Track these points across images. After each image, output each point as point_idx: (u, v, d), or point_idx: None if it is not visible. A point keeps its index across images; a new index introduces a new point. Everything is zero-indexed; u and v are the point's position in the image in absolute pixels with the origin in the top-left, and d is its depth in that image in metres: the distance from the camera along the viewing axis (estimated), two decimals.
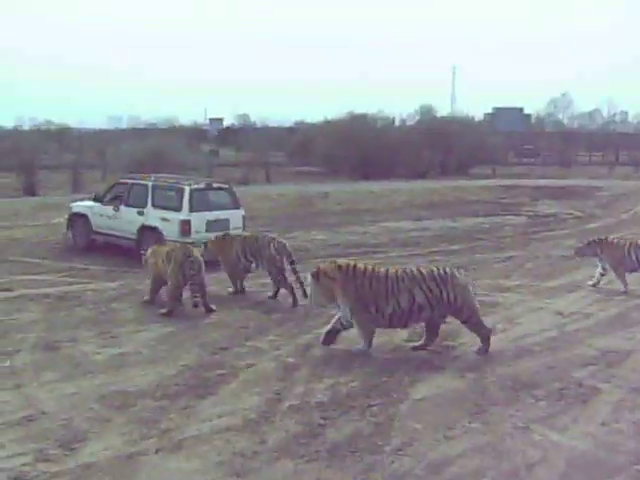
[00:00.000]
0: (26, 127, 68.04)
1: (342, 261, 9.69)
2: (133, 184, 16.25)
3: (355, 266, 9.28)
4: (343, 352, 9.17)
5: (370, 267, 9.39)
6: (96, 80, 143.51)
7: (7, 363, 8.64)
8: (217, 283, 12.82)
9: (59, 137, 58.85)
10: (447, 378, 8.29)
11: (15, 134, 53.55)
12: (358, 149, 45.54)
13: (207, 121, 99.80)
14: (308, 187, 34.68)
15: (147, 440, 6.54)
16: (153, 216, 15.31)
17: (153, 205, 15.47)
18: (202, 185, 15.85)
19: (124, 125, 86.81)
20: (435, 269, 9.42)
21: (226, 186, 16.41)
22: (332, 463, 6.13)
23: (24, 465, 6.02)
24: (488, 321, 10.63)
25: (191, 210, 15.02)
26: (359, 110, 54.82)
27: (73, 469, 5.98)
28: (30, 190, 33.43)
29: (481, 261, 15.88)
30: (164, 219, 15.06)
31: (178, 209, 15.06)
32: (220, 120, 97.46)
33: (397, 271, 9.37)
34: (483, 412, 7.29)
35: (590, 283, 13.27)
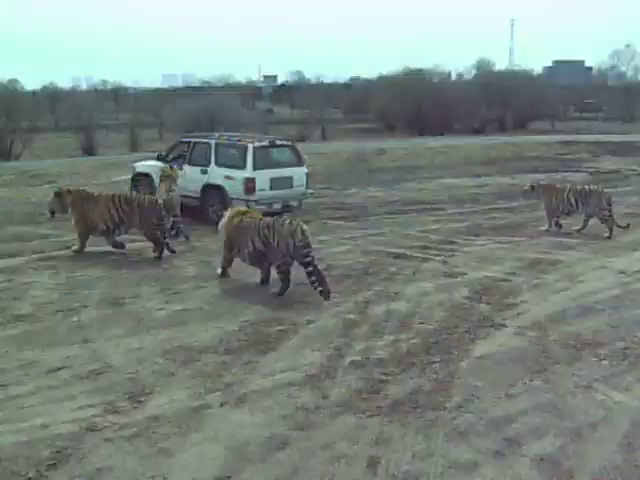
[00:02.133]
0: (83, 87, 69.01)
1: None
2: (196, 143, 16.26)
3: (233, 217, 10.60)
4: (403, 309, 9.18)
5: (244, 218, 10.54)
6: (151, 39, 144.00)
7: (75, 318, 8.88)
8: None
9: (115, 96, 59.47)
10: (508, 336, 8.24)
11: (72, 94, 54.34)
12: (414, 105, 45.05)
13: (261, 78, 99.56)
14: (364, 144, 34.49)
15: (211, 394, 6.68)
16: (217, 174, 15.29)
17: (217, 163, 15.45)
18: (265, 142, 15.73)
19: (179, 83, 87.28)
20: (273, 220, 10.17)
21: (289, 143, 16.41)
22: (393, 418, 6.18)
23: (95, 416, 6.21)
24: (549, 279, 10.57)
25: (255, 168, 14.92)
26: (415, 65, 54.06)
27: (141, 421, 6.15)
28: (89, 149, 34.05)
29: (541, 218, 15.60)
30: (228, 177, 15.02)
31: (242, 167, 14.98)
32: (274, 77, 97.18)
33: (253, 221, 10.35)
34: (544, 370, 7.24)
35: (542, 228, 14.36)
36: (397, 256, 12.07)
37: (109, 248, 12.55)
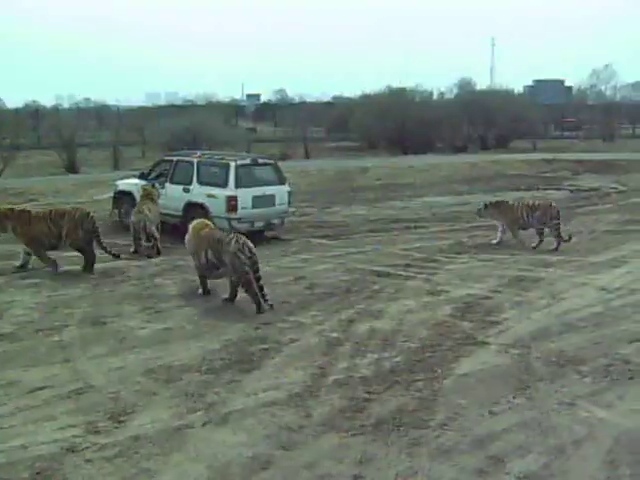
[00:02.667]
0: (65, 105, 68.80)
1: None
2: (178, 161, 16.28)
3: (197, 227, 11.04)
4: (386, 327, 9.18)
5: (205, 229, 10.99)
6: (133, 58, 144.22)
7: (56, 338, 8.81)
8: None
9: (98, 114, 59.30)
10: (491, 354, 8.25)
11: (55, 112, 54.14)
12: (397, 123, 45.22)
13: (244, 97, 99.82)
14: (347, 162, 34.59)
15: (194, 413, 6.63)
16: (199, 192, 15.29)
17: (199, 182, 15.47)
18: (248, 161, 15.85)
19: (162, 102, 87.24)
20: (224, 235, 10.65)
21: (271, 162, 16.43)
22: (377, 437, 6.16)
23: (75, 437, 6.15)
24: (531, 296, 10.61)
25: (237, 186, 14.95)
26: (397, 84, 54.44)
27: (122, 441, 6.09)
28: (71, 167, 33.83)
29: (523, 236, 15.70)
30: (210, 195, 15.02)
31: (224, 185, 15.01)
32: (257, 96, 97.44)
33: (211, 233, 10.84)
34: (528, 388, 7.25)
35: (493, 242, 14.81)
36: (380, 274, 12.08)
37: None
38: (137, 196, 16.02)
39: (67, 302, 10.45)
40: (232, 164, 15.12)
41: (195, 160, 15.84)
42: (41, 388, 7.21)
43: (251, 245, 10.23)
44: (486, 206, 15.25)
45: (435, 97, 63.11)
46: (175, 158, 16.62)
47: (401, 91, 53.05)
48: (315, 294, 10.87)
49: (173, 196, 15.65)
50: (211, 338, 8.79)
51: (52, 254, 12.47)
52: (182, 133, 35.97)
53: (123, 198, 17.09)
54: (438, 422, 6.44)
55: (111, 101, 71.44)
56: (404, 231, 16.69)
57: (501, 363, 7.96)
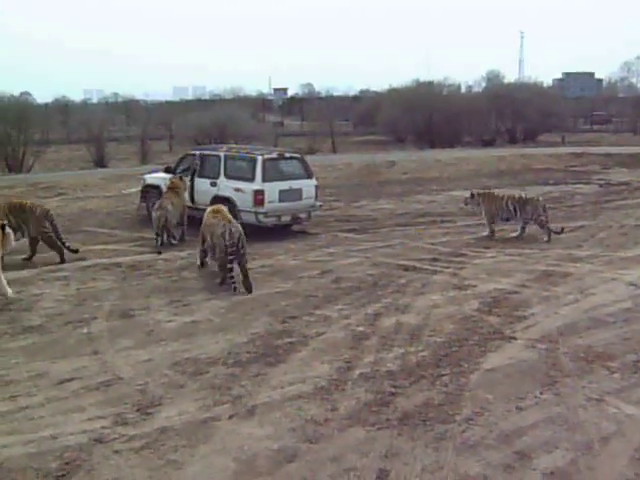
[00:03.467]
0: (94, 100, 69.34)
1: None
2: (205, 155, 16.33)
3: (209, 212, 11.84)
4: (413, 321, 9.16)
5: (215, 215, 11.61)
6: (161, 52, 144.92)
7: (84, 330, 8.90)
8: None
9: (126, 109, 59.71)
10: (518, 348, 8.20)
11: (84, 107, 54.66)
12: (424, 117, 45.08)
13: (271, 91, 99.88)
14: (374, 156, 34.50)
15: (220, 406, 6.67)
16: (226, 186, 15.29)
17: (226, 176, 15.47)
18: (274, 155, 15.77)
19: (189, 96, 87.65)
20: (218, 221, 11.23)
21: (298, 156, 16.40)
22: (403, 431, 6.15)
23: (103, 428, 6.21)
24: (559, 291, 10.52)
25: (264, 180, 14.92)
26: (425, 78, 54.20)
27: (150, 433, 6.14)
28: (100, 162, 34.19)
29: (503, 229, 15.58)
30: (237, 189, 15.01)
31: (251, 179, 14.99)
32: (284, 90, 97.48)
33: (214, 220, 11.46)
34: (555, 383, 7.19)
35: (485, 234, 15.00)
36: (407, 268, 12.05)
37: (118, 259, 12.65)
38: (165, 189, 16.08)
39: (95, 295, 10.56)
40: (259, 158, 15.08)
41: (222, 154, 15.88)
42: (70, 380, 7.30)
43: (237, 234, 10.87)
44: (473, 196, 15.44)
45: (463, 90, 62.85)
46: (202, 152, 16.68)
47: (429, 84, 52.85)
48: (341, 288, 10.87)
49: (201, 190, 15.70)
50: (238, 331, 8.83)
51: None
52: (209, 127, 36.14)
53: (151, 192, 17.17)
54: (464, 417, 6.41)
55: (139, 96, 71.93)
56: (431, 225, 16.62)
57: (528, 358, 7.90)
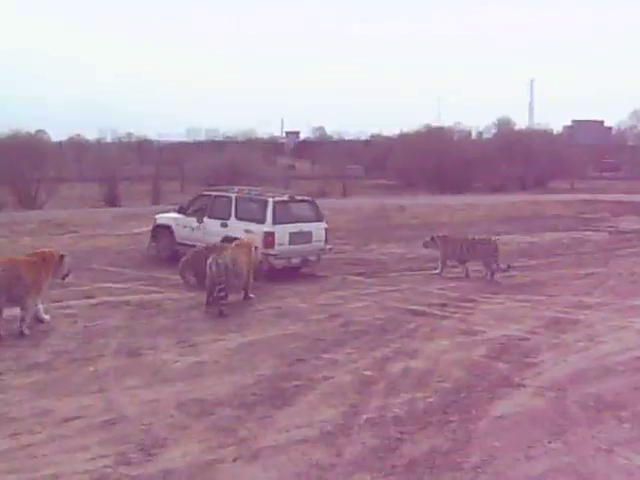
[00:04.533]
0: (108, 139, 69.98)
1: None
2: (216, 196, 16.44)
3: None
4: (421, 367, 9.09)
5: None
6: (175, 93, 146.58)
7: (91, 368, 8.87)
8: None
9: (139, 149, 60.28)
10: (527, 396, 8.11)
11: (98, 146, 55.23)
12: (435, 162, 45.27)
13: (283, 134, 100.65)
14: (384, 200, 34.60)
15: (225, 448, 6.60)
16: (236, 227, 15.31)
17: (237, 217, 15.57)
18: (285, 197, 15.89)
19: (202, 137, 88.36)
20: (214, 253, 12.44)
21: (309, 199, 16.50)
22: (409, 478, 6.07)
23: (106, 467, 6.16)
24: (569, 338, 10.44)
25: (274, 222, 14.98)
26: (436, 123, 54.58)
27: (153, 474, 6.08)
28: (112, 200, 34.44)
29: (561, 277, 15.54)
30: (248, 231, 14.94)
31: (262, 221, 15.05)
32: (296, 133, 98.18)
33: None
34: (564, 432, 7.10)
35: (435, 272, 15.89)
36: (415, 313, 12.00)
37: (127, 298, 12.67)
38: (175, 230, 16.33)
39: (103, 333, 10.54)
40: (270, 200, 15.19)
41: (233, 195, 15.97)
42: (74, 418, 7.25)
43: (220, 264, 12.00)
44: (432, 238, 16.47)
45: (474, 136, 63.15)
46: (214, 193, 16.78)
47: (439, 130, 53.16)
48: (350, 332, 10.82)
49: (211, 230, 15.75)
50: (244, 373, 8.78)
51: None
52: (221, 169, 36.43)
53: (162, 232, 17.25)
54: (472, 465, 6.32)
55: (153, 136, 72.51)
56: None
57: (537, 406, 7.81)
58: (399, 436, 6.91)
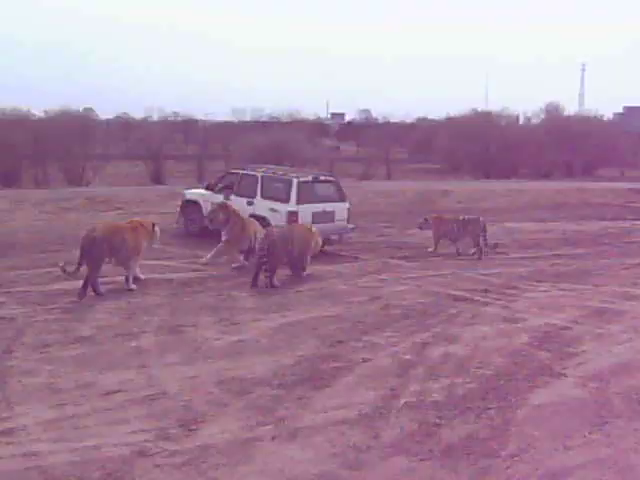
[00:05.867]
0: (155, 118, 70.46)
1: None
2: (244, 174, 16.89)
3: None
4: (461, 352, 9.04)
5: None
6: (221, 74, 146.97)
7: (133, 343, 9.01)
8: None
9: (185, 128, 60.56)
10: (568, 385, 8.03)
11: (144, 124, 55.64)
12: (480, 147, 44.73)
13: (329, 115, 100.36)
14: (429, 184, 34.35)
15: (263, 427, 6.66)
16: (262, 206, 15.82)
17: (262, 196, 16.01)
18: (309, 177, 16.25)
19: (248, 118, 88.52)
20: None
21: (332, 179, 16.86)
22: (446, 463, 6.06)
23: (146, 441, 6.26)
24: (613, 329, 10.28)
25: (298, 202, 15.44)
26: (483, 107, 53.93)
27: (192, 449, 6.17)
28: (157, 178, 34.74)
29: (607, 267, 15.28)
30: (272, 209, 15.55)
31: (286, 200, 15.51)
32: (342, 115, 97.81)
33: None
34: (605, 424, 7.01)
35: (430, 249, 16.67)
36: (457, 298, 11.93)
37: (170, 275, 12.83)
38: (203, 205, 17.00)
39: (146, 309, 10.69)
40: (294, 180, 15.65)
41: (260, 175, 16.40)
42: (116, 391, 7.39)
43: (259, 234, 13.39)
44: (426, 220, 17.15)
45: (521, 121, 62.20)
46: (241, 172, 17.17)
47: (486, 114, 52.48)
48: (390, 315, 10.81)
49: (238, 208, 15.93)
50: (284, 353, 8.83)
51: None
52: (266, 149, 36.41)
53: (190, 207, 17.82)
54: (509, 452, 6.29)
55: (198, 116, 72.78)
56: (484, 255, 16.43)
57: (578, 396, 7.73)
58: (437, 421, 6.90)
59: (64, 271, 11.72)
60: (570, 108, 71.88)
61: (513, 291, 12.67)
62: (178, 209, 18.57)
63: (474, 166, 45.32)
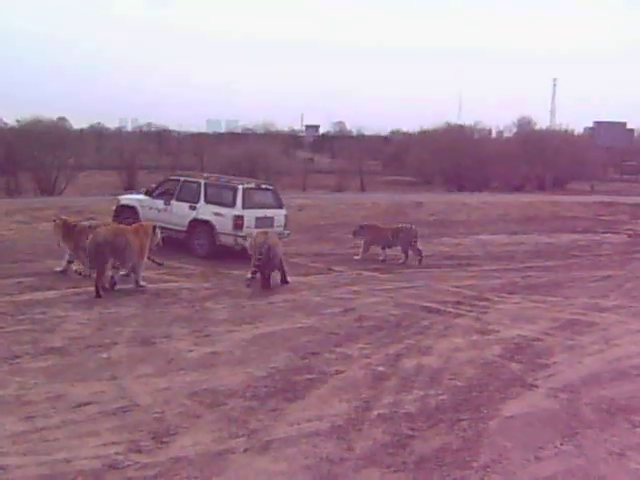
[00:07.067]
0: (129, 128, 70.22)
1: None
2: (185, 181, 17.67)
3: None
4: (434, 364, 9.07)
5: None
6: (195, 86, 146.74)
7: (105, 355, 8.93)
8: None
9: (159, 139, 60.38)
10: (539, 397, 8.08)
11: (118, 135, 55.41)
12: (453, 160, 45.12)
13: (303, 128, 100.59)
14: (402, 196, 34.53)
15: (235, 439, 6.62)
16: (206, 211, 16.71)
17: (206, 201, 16.84)
18: (252, 185, 17.50)
19: (222, 129, 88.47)
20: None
21: (271, 187, 18.07)
22: (418, 475, 6.06)
23: (118, 454, 6.19)
24: (584, 340, 10.38)
25: (244, 207, 16.44)
26: (455, 121, 54.38)
27: (163, 462, 6.11)
28: (130, 188, 34.55)
29: (577, 279, 15.45)
30: (217, 214, 16.48)
31: (232, 205, 16.47)
32: (316, 127, 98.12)
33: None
34: (576, 434, 7.07)
35: (356, 257, 17.17)
36: (430, 310, 11.98)
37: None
38: (140, 210, 17.61)
39: (118, 320, 10.60)
40: (240, 187, 16.73)
41: (203, 181, 17.29)
42: (87, 403, 7.30)
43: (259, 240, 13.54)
44: (361, 227, 17.89)
45: (494, 135, 62.84)
46: (182, 178, 17.97)
47: (459, 128, 52.99)
48: (364, 327, 10.82)
49: (178, 212, 16.99)
50: (257, 365, 8.80)
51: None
52: (240, 161, 36.43)
53: (125, 211, 18.15)
54: (481, 464, 6.31)
55: (173, 127, 72.59)
56: (456, 268, 16.54)
57: (549, 407, 7.78)
58: (410, 433, 6.91)
59: (79, 274, 12.90)
60: (542, 122, 72.69)
61: (485, 303, 12.76)
62: (113, 214, 18.71)
63: (447, 179, 45.72)
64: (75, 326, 10.20)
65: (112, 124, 72.09)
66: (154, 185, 18.67)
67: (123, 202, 18.61)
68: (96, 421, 6.90)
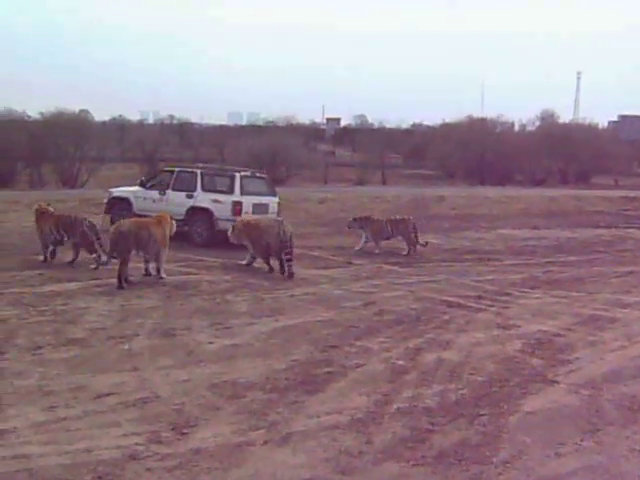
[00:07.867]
0: (150, 121, 70.51)
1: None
2: (180, 171, 18.24)
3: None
4: (454, 358, 9.04)
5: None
6: (217, 77, 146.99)
7: (126, 346, 8.99)
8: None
9: (181, 131, 60.58)
10: (560, 393, 8.02)
11: (140, 127, 55.65)
12: (476, 153, 44.92)
13: (324, 120, 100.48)
14: (423, 190, 34.41)
15: (255, 431, 6.63)
16: (204, 199, 17.41)
17: (203, 189, 17.54)
18: (249, 173, 18.32)
19: (244, 122, 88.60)
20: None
21: (265, 176, 19.08)
22: (437, 469, 6.05)
23: (138, 444, 6.22)
24: (606, 337, 10.30)
25: (241, 194, 17.22)
26: (478, 114, 54.07)
27: (183, 453, 6.13)
28: None
29: (599, 274, 15.33)
30: (216, 201, 17.21)
31: (230, 192, 17.24)
32: (337, 120, 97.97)
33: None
34: (597, 431, 7.01)
35: (357, 248, 17.35)
36: (451, 305, 11.94)
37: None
38: (134, 201, 18.00)
39: (139, 312, 10.66)
40: (237, 175, 17.56)
41: (199, 171, 17.98)
42: (108, 394, 7.35)
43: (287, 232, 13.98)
44: (355, 219, 18.13)
45: (517, 128, 62.39)
46: (177, 169, 18.57)
47: (482, 121, 52.68)
48: (384, 320, 10.80)
49: (175, 201, 17.57)
50: (278, 357, 8.81)
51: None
52: (261, 153, 36.49)
53: (117, 203, 18.46)
54: (501, 459, 6.27)
55: (194, 119, 72.85)
56: (477, 262, 16.47)
57: (570, 403, 7.72)
58: (429, 427, 6.89)
59: (97, 262, 13.46)
60: (565, 116, 72.10)
61: (506, 298, 12.69)
62: (105, 207, 19.00)
63: (469, 173, 45.51)
64: (96, 317, 10.28)
65: (134, 116, 72.40)
66: (148, 176, 19.39)
67: (115, 194, 18.93)
68: (117, 412, 6.94)
